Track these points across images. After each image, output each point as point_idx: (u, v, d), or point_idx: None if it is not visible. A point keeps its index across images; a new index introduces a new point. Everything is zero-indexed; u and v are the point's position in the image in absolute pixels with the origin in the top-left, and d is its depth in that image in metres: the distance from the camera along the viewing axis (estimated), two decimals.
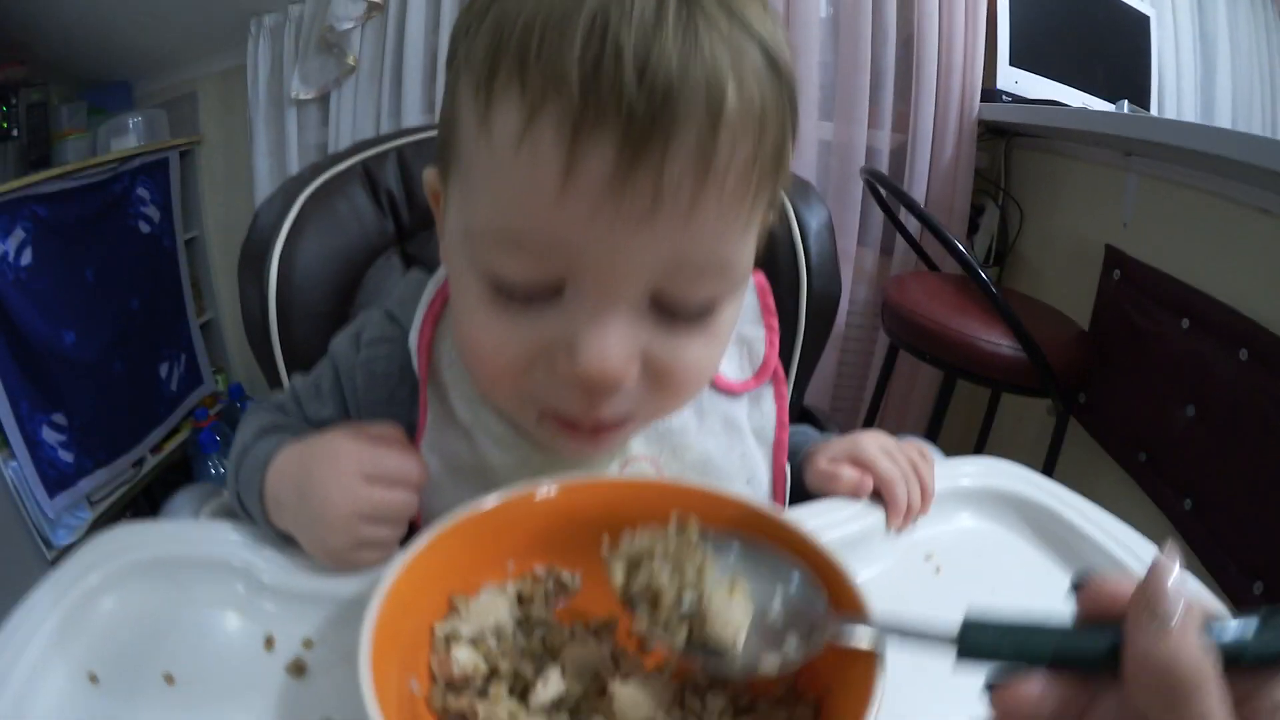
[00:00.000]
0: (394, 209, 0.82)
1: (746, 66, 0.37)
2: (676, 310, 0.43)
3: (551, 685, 0.38)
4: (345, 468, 0.49)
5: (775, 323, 0.62)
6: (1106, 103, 1.96)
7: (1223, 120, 2.15)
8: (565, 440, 0.48)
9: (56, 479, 1.80)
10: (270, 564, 0.50)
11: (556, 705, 0.39)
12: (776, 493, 0.62)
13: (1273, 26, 2.19)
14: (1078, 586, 0.32)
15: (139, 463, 2.13)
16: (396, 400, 0.58)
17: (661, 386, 0.45)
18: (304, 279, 0.74)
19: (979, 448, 1.96)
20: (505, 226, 0.40)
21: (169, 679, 0.42)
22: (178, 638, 0.46)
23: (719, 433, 0.59)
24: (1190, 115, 2.13)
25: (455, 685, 0.39)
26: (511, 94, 0.37)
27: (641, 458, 0.57)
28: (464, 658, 0.39)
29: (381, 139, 0.86)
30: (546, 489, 0.47)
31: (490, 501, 0.45)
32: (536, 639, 0.43)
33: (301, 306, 0.74)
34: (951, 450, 0.68)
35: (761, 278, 0.61)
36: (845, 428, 2.19)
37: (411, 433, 0.56)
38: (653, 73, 0.34)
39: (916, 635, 0.34)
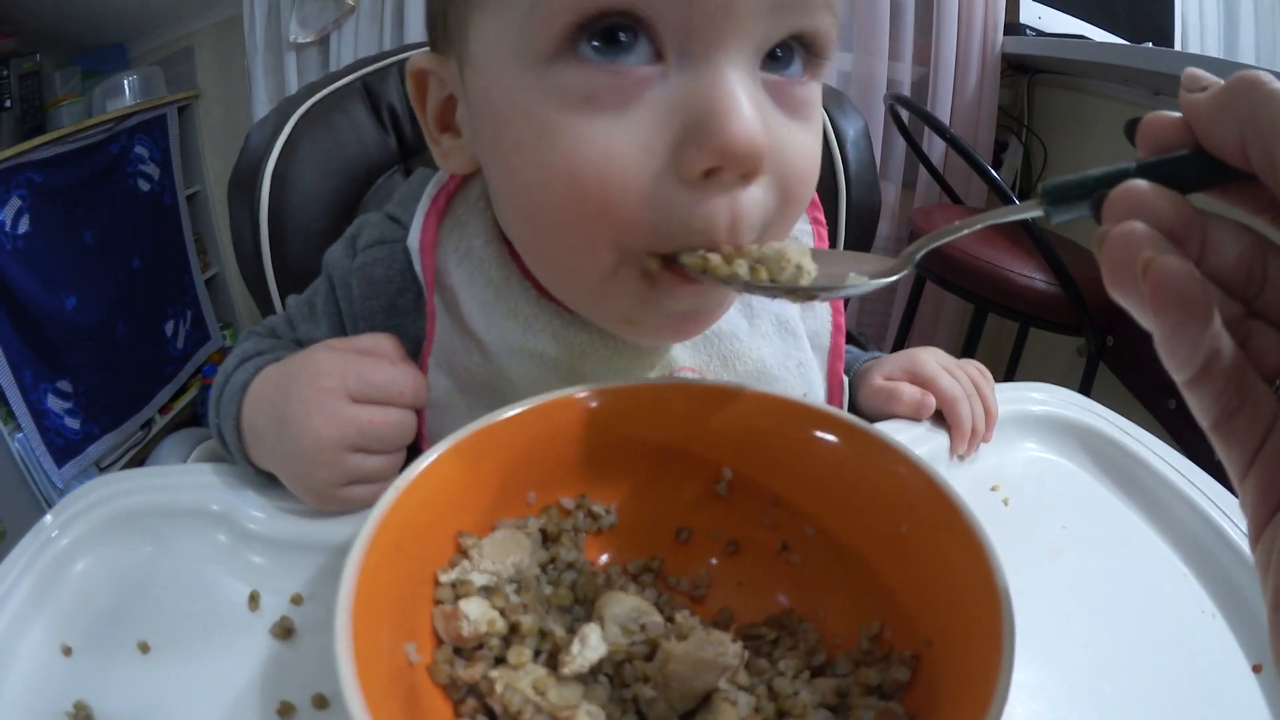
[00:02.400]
0: (396, 125, 0.76)
1: None
2: (788, 86, 0.38)
3: (591, 647, 0.31)
4: (327, 385, 0.42)
5: (821, 217, 0.56)
6: (1130, 43, 1.91)
7: (1247, 62, 2.08)
8: (680, 294, 0.40)
9: (64, 447, 1.78)
10: (253, 507, 0.45)
11: (594, 671, 0.31)
12: (833, 403, 0.56)
13: None
14: (1132, 127, 0.28)
15: (147, 424, 2.10)
16: (398, 309, 0.51)
17: (785, 187, 0.39)
18: (299, 197, 0.69)
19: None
20: None
21: (144, 647, 0.38)
22: (154, 599, 0.41)
23: (772, 336, 0.53)
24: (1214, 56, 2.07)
25: (465, 649, 0.32)
26: None
27: (686, 368, 0.50)
28: (476, 612, 0.32)
29: (383, 55, 0.80)
30: (575, 395, 0.39)
31: (504, 414, 0.37)
32: (565, 586, 0.36)
33: (296, 227, 0.69)
34: None
35: None
36: None
37: (417, 347, 0.49)
38: None
39: (995, 216, 0.31)
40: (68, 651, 0.38)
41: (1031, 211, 0.29)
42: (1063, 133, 1.93)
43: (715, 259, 0.36)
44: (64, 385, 1.80)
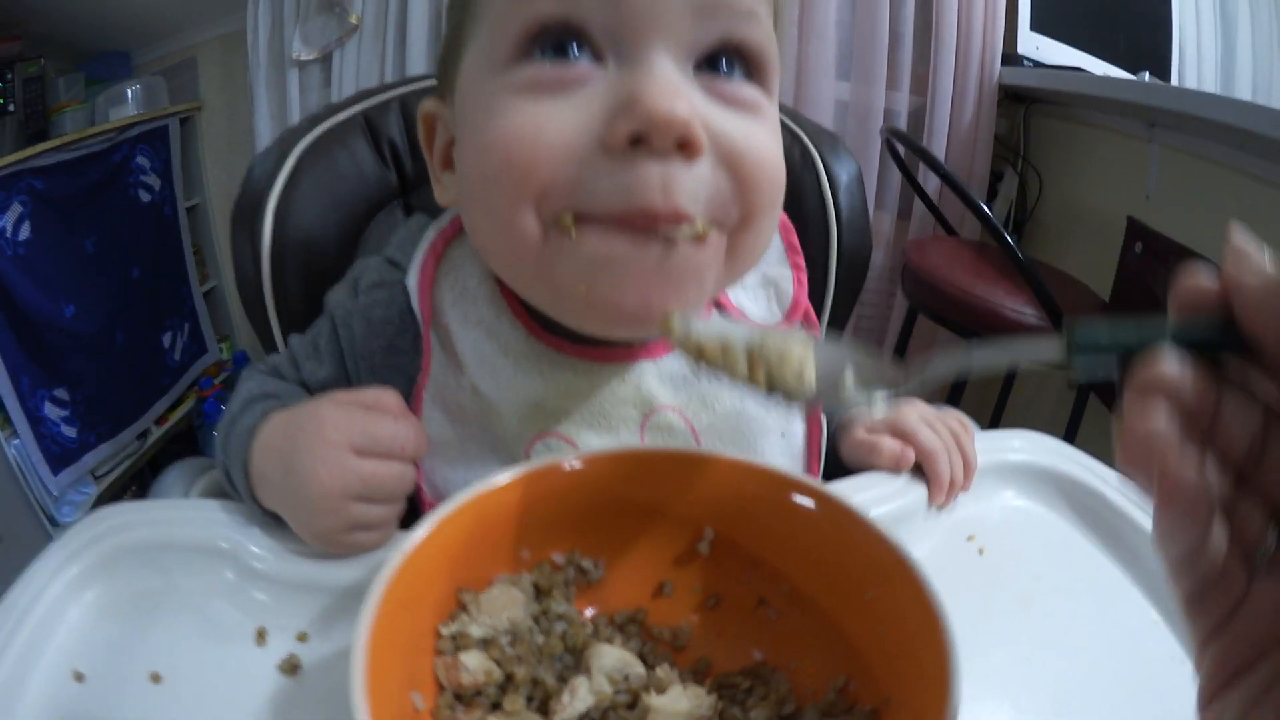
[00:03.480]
0: (397, 160, 0.77)
1: None
2: (723, 84, 0.43)
3: (580, 699, 0.34)
4: (332, 438, 0.44)
5: (802, 262, 0.58)
6: (1126, 72, 1.93)
7: (1243, 94, 2.12)
8: (620, 245, 0.41)
9: (60, 455, 1.78)
10: (260, 548, 0.46)
11: (582, 718, 0.34)
12: (812, 448, 0.58)
13: None
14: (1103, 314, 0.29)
15: (143, 435, 2.10)
16: (397, 348, 0.53)
17: (736, 169, 0.42)
18: (301, 234, 0.69)
19: (996, 419, 1.93)
20: None
21: (155, 677, 0.39)
22: (164, 631, 0.42)
23: None
24: (1210, 89, 2.10)
25: (465, 696, 0.35)
26: None
27: (667, 407, 0.52)
28: (474, 663, 0.34)
29: (384, 88, 0.81)
30: (565, 462, 0.41)
31: (500, 480, 0.39)
32: (556, 636, 0.38)
33: (298, 263, 0.69)
34: None
35: (784, 216, 0.57)
36: None
37: (413, 384, 0.51)
38: None
39: (1012, 354, 0.31)
40: (79, 678, 0.39)
41: (1054, 356, 0.29)
42: (1059, 163, 1.94)
43: (711, 348, 0.38)
44: (61, 393, 1.81)
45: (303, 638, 0.42)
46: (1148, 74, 1.78)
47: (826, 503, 0.40)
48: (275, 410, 0.49)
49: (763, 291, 0.57)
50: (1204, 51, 2.09)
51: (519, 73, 0.42)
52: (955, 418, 0.57)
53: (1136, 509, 0.56)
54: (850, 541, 0.38)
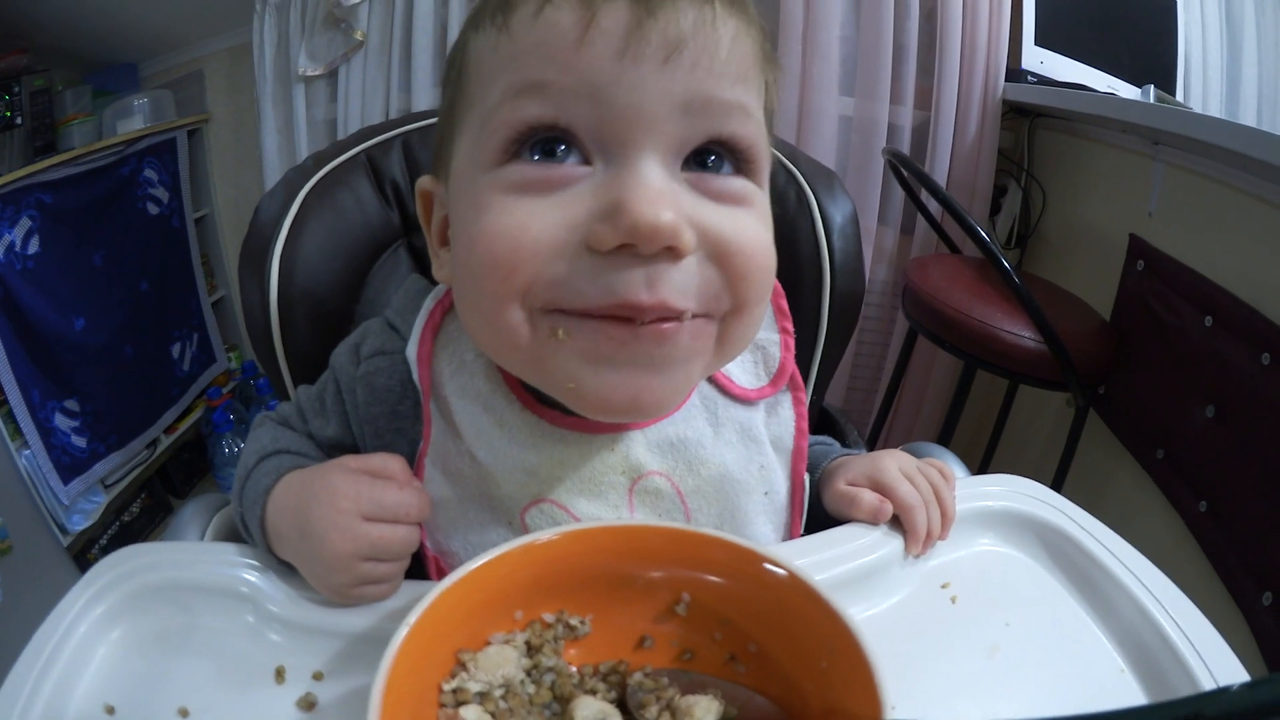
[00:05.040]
0: (399, 200, 0.79)
1: None
2: (711, 180, 0.44)
3: None
4: (343, 506, 0.47)
5: (790, 326, 0.60)
6: (1132, 86, 1.92)
7: (1248, 109, 2.11)
8: (603, 350, 0.42)
9: (70, 465, 1.81)
10: (278, 593, 0.49)
11: None
12: (795, 503, 0.60)
13: None
14: None
15: (153, 444, 2.14)
16: (399, 415, 0.56)
17: (725, 263, 0.43)
18: (306, 277, 0.71)
19: (995, 438, 1.94)
20: (527, 79, 0.41)
21: (184, 712, 0.42)
22: (190, 667, 0.45)
23: (735, 443, 0.57)
24: (1215, 102, 2.09)
25: None
26: None
27: (654, 472, 0.54)
28: (472, 716, 0.38)
29: (387, 125, 0.83)
30: (550, 536, 0.45)
31: (493, 552, 0.43)
32: (545, 686, 0.42)
33: (304, 305, 0.72)
34: (965, 441, 0.67)
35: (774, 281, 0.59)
36: (862, 413, 2.15)
37: (415, 447, 0.54)
38: None
39: None
40: (110, 711, 0.42)
41: None
42: (1062, 178, 1.93)
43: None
44: (71, 404, 1.84)
45: (318, 676, 0.45)
46: (1153, 87, 1.75)
47: (792, 579, 0.43)
48: (288, 471, 0.52)
49: (749, 357, 0.59)
50: (1209, 64, 2.08)
51: (507, 172, 0.43)
52: (937, 468, 0.59)
53: (1110, 556, 0.56)
54: (809, 615, 0.42)
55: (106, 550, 1.07)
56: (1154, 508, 1.40)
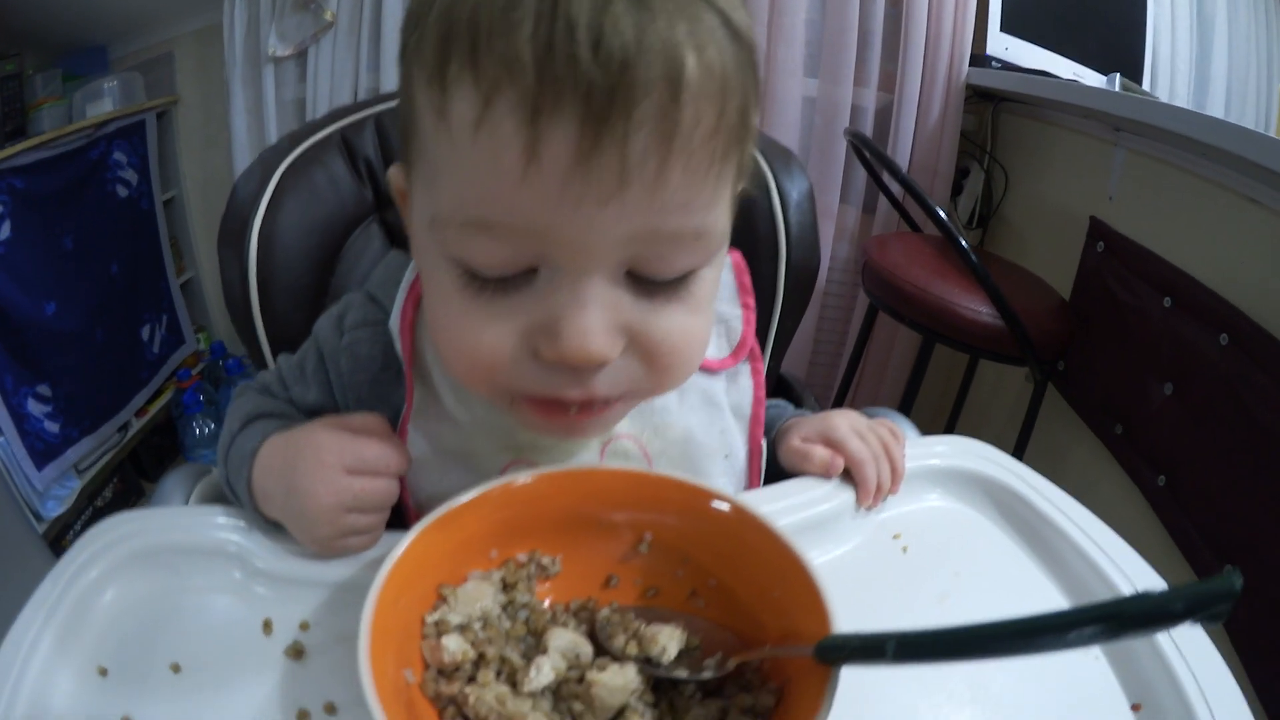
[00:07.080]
0: (372, 177, 0.82)
1: (703, 33, 0.37)
2: (653, 282, 0.42)
3: (543, 674, 0.41)
4: (327, 460, 0.50)
5: (752, 301, 0.63)
6: (1098, 74, 1.94)
7: (1216, 100, 2.14)
8: (547, 424, 0.47)
9: (44, 451, 1.80)
10: (263, 549, 0.52)
11: (542, 690, 0.41)
12: (752, 466, 0.64)
13: (1271, 11, 2.17)
14: None
15: (124, 428, 2.13)
16: (381, 382, 0.59)
17: (651, 362, 0.45)
18: (284, 252, 0.74)
19: (955, 412, 1.99)
20: (472, 214, 0.39)
21: (175, 668, 0.44)
22: (180, 626, 0.47)
23: (699, 408, 0.60)
24: (1183, 93, 2.11)
25: (446, 672, 0.41)
26: (465, 82, 0.36)
27: (624, 435, 0.58)
28: (453, 645, 0.41)
29: (359, 105, 0.85)
30: (523, 479, 0.49)
31: (470, 494, 0.47)
32: (521, 622, 0.45)
33: (282, 280, 0.74)
34: (928, 414, 0.69)
35: (738, 257, 0.62)
36: (824, 386, 2.18)
37: (398, 415, 0.57)
38: (608, 45, 0.34)
39: None
40: (104, 672, 0.44)
41: None
42: (1025, 161, 1.97)
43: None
44: (44, 390, 1.82)
45: (304, 626, 0.48)
46: (1119, 76, 1.77)
47: (741, 514, 0.47)
48: (273, 433, 0.55)
49: (715, 329, 0.62)
50: (1178, 54, 2.10)
51: (461, 274, 0.42)
52: (887, 426, 0.62)
53: (1058, 512, 0.59)
54: (760, 547, 0.46)
55: None
56: (1113, 480, 1.45)
